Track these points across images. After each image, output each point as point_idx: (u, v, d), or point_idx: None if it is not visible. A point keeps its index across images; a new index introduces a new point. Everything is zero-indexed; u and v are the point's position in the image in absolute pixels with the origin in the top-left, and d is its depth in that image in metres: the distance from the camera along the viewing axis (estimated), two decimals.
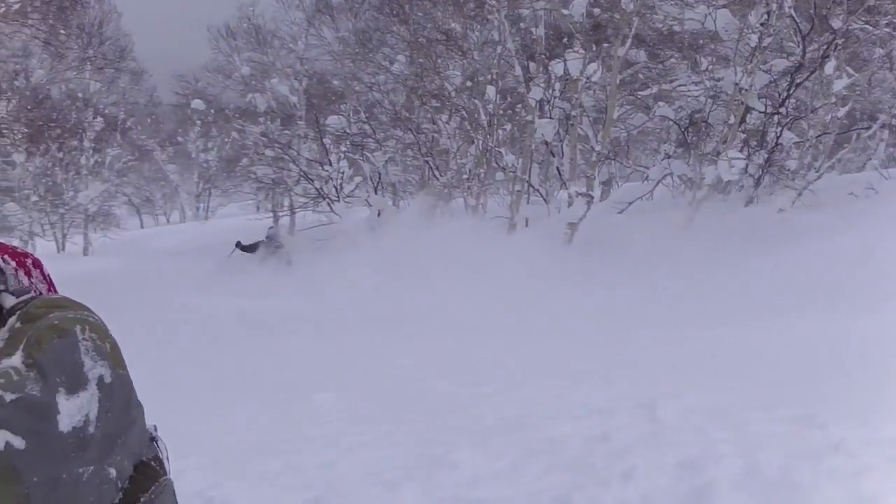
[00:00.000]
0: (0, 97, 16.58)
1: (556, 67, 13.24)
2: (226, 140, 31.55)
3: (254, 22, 24.73)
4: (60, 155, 25.38)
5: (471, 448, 4.30)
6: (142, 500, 0.85)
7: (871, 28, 12.05)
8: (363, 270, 11.78)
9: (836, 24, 11.55)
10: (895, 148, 16.31)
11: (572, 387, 5.62)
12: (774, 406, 4.45)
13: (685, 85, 14.03)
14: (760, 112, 12.52)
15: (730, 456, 3.73)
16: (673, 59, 14.65)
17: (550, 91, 14.02)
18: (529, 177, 14.88)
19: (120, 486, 0.82)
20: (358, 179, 18.07)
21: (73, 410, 0.75)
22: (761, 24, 11.54)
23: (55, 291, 1.00)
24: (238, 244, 16.61)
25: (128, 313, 8.38)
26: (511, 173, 14.76)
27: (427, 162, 17.83)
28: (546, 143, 14.87)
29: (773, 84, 12.74)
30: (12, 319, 0.82)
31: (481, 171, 16.02)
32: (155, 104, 34.31)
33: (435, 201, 16.57)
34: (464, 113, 16.41)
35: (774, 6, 11.37)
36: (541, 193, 16.20)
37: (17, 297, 0.87)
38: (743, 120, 12.29)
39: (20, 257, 0.98)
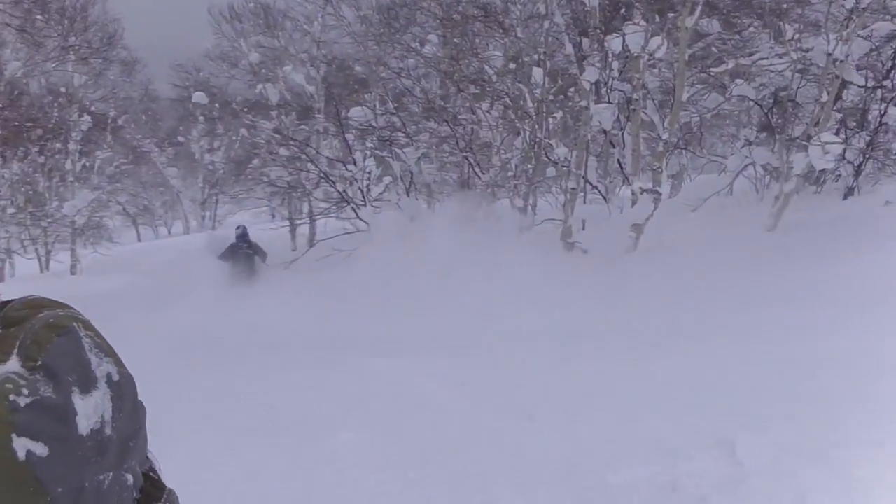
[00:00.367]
0: None
1: (614, 43, 13.12)
2: (234, 138, 32.01)
3: (262, 1, 25.03)
4: (42, 159, 25.36)
5: (514, 497, 4.21)
6: None
7: None
8: (388, 282, 11.78)
9: None
10: None
11: (634, 420, 5.51)
12: (882, 442, 4.28)
13: (767, 58, 13.85)
14: (859, 86, 12.31)
15: None
16: (752, 28, 14.48)
17: (607, 71, 13.93)
18: (585, 172, 14.76)
19: (135, 494, 0.86)
20: (387, 180, 18.11)
21: (90, 411, 0.78)
22: None
23: None
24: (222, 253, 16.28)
25: (121, 337, 8.42)
26: (564, 168, 14.66)
27: (466, 158, 17.80)
28: (604, 132, 14.78)
29: (874, 53, 12.49)
30: None
31: (529, 166, 15.96)
32: (151, 99, 34.78)
33: (476, 203, 16.54)
34: (507, 100, 16.37)
35: None
36: (599, 191, 16.09)
37: None
38: (838, 97, 12.08)
39: None
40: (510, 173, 16.17)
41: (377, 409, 6.64)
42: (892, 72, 12.10)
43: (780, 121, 13.86)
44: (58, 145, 25.83)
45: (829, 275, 9.30)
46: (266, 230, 20.14)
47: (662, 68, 14.40)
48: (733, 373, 6.48)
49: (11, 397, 0.72)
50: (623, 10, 13.83)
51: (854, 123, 12.41)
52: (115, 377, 0.83)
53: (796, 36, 13.01)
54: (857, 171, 12.35)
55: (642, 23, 12.90)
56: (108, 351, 0.85)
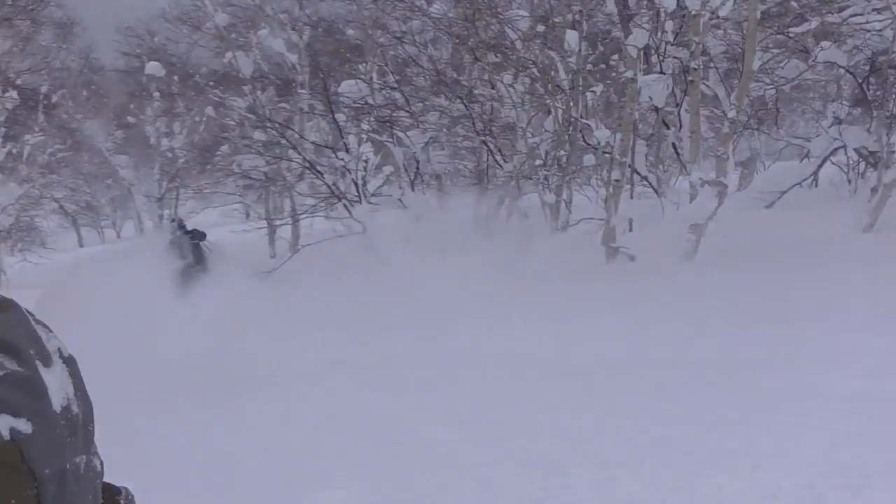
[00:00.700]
0: None
1: (667, 0, 13.14)
2: (197, 119, 32.04)
3: None
4: None
5: None
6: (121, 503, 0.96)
7: None
8: (388, 298, 11.78)
9: None
10: None
11: (703, 472, 5.48)
12: None
13: (862, 14, 13.78)
14: None
15: None
16: None
17: (659, 34, 13.90)
18: (632, 159, 14.74)
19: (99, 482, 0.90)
20: (387, 171, 18.13)
21: (56, 386, 0.81)
22: None
23: None
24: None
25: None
26: (605, 155, 14.63)
27: (485, 142, 17.81)
28: (656, 109, 14.78)
29: None
30: None
31: (562, 153, 15.94)
32: (93, 70, 35.00)
33: (498, 199, 16.53)
34: (535, 71, 16.37)
35: None
36: (650, 182, 16.04)
37: None
38: None
39: None
40: (539, 162, 16.14)
41: (368, 458, 6.62)
42: None
43: (878, 93, 13.81)
44: None
45: None
46: (238, 233, 20.08)
47: (728, 29, 14.33)
48: (819, 410, 6.39)
49: None
50: None
51: None
52: (66, 352, 0.88)
53: None
54: None
55: None
56: (48, 326, 0.89)
